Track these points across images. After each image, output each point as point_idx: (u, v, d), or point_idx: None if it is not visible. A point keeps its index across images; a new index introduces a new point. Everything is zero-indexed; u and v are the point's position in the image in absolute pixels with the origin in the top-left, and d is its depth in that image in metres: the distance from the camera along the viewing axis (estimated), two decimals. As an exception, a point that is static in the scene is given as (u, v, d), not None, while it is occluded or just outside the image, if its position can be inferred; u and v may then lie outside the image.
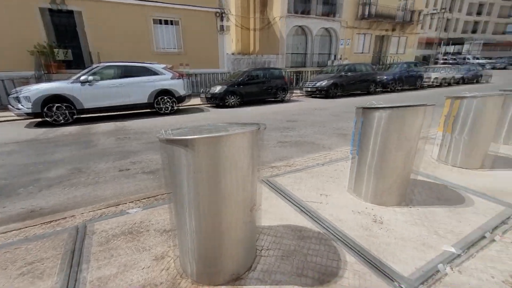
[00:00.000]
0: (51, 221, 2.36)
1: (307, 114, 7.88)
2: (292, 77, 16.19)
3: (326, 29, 18.07)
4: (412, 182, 2.75)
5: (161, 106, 7.88)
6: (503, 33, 44.45)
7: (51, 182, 3.31)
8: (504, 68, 29.10)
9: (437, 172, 3.19)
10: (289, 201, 2.54)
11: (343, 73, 11.79)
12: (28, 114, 6.28)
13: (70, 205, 2.76)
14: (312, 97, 12.02)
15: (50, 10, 9.74)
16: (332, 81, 11.35)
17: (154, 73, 7.60)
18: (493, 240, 1.95)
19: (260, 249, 1.87)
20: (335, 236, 2.00)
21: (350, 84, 11.99)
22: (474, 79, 17.73)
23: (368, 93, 12.76)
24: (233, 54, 17.92)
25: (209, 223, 1.40)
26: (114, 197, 2.87)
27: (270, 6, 17.00)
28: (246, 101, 9.80)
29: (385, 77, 13.37)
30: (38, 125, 6.70)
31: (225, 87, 9.15)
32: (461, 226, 2.11)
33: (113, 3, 10.62)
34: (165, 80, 7.77)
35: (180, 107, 8.96)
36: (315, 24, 17.36)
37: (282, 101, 10.81)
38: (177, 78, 8.10)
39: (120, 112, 8.02)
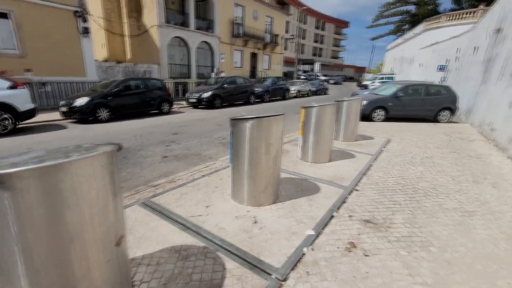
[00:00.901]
0: None
1: (192, 125, 7.80)
2: (176, 88, 15.72)
3: (206, 42, 18.72)
4: (282, 180, 3.19)
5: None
6: (336, 57, 60.68)
7: None
8: (336, 83, 39.18)
9: (299, 168, 3.85)
10: (172, 220, 2.38)
11: (225, 85, 12.47)
12: None
13: None
14: (197, 108, 12.05)
15: None
16: (215, 92, 11.79)
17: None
18: (333, 216, 2.52)
19: (138, 285, 1.64)
20: (218, 246, 2.03)
21: (232, 95, 12.83)
22: (322, 92, 22.92)
23: (248, 103, 14.05)
24: (105, 61, 15.56)
25: (52, 276, 1.09)
26: None
27: (142, 13, 15.92)
28: (121, 114, 8.63)
29: (260, 89, 15.14)
30: None
31: (91, 98, 7.73)
32: (317, 210, 2.61)
33: None
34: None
35: (24, 125, 6.88)
36: (194, 37, 17.65)
37: (165, 113, 10.25)
38: (17, 88, 6.20)
39: None
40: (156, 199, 2.79)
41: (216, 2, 18.86)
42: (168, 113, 10.37)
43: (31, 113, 6.53)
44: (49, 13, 10.24)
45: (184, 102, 13.04)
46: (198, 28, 17.97)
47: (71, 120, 8.07)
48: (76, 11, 10.95)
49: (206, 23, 18.82)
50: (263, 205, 2.66)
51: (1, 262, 1.04)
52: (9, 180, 0.92)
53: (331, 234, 2.24)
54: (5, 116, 5.95)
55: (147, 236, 2.14)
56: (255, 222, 2.37)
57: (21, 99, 6.22)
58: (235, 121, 2.49)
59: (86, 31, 11.35)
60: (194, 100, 11.81)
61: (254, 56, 23.98)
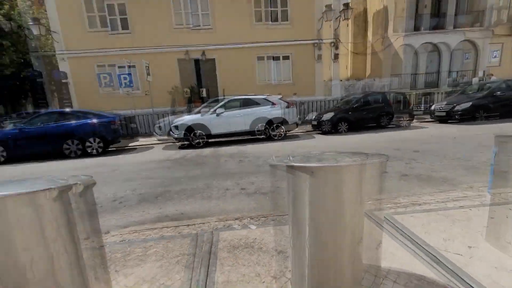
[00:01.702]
0: (189, 225, 2.92)
1: (439, 143, 6.53)
2: (419, 99, 14.13)
3: (468, 41, 14.98)
4: None
5: (275, 133, 8.53)
6: None
7: (190, 193, 4.14)
8: None
9: None
10: (415, 245, 2.10)
11: (497, 92, 9.20)
12: (176, 139, 8.26)
13: (203, 214, 3.33)
14: (446, 122, 9.91)
15: (182, 60, 12.99)
16: (477, 102, 9.07)
17: (269, 103, 8.46)
18: None
19: (382, 297, 1.62)
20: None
21: (503, 106, 9.17)
22: None
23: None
24: (347, 80, 17.60)
25: (323, 251, 1.36)
26: (236, 212, 3.26)
27: (387, 28, 15.88)
28: (355, 127, 9.31)
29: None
30: (180, 147, 8.63)
31: (335, 113, 9.04)
32: None
33: (234, 49, 12.93)
34: (276, 109, 8.46)
35: (287, 134, 9.43)
36: (451, 38, 14.74)
37: (401, 127, 9.49)
38: (288, 107, 8.66)
39: (239, 138, 9.25)
40: (399, 217, 2.61)
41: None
42: (405, 127, 9.51)
43: (295, 125, 8.84)
44: (301, 48, 13.43)
45: (427, 116, 11.31)
46: (457, 26, 14.76)
47: (318, 132, 9.87)
48: (315, 43, 13.36)
49: (470, 18, 14.99)
50: None
51: (294, 231, 1.47)
52: (313, 171, 1.26)
53: None
54: (282, 127, 8.53)
55: (389, 251, 2.06)
56: None
57: (291, 115, 8.58)
58: (504, 138, 1.71)
59: (319, 58, 13.60)
60: (443, 114, 9.83)
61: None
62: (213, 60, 13.03)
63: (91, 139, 7.83)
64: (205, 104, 8.75)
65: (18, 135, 7.68)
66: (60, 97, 13.09)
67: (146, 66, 10.61)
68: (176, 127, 8.09)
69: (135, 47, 12.15)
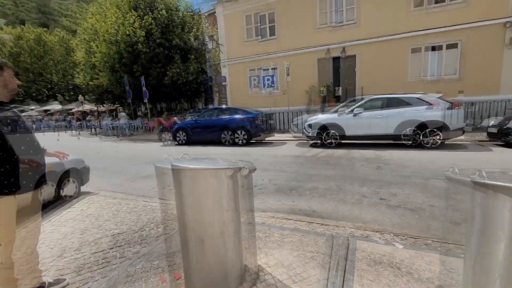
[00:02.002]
0: (323, 224, 2.88)
1: None
2: None
3: None
4: None
5: (428, 139, 6.97)
6: None
7: (322, 192, 4.10)
8: None
9: None
10: None
11: None
12: (308, 137, 8.41)
13: (336, 216, 3.20)
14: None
15: (322, 59, 12.68)
16: None
17: (423, 103, 6.99)
18: None
19: None
20: None
21: None
22: None
23: None
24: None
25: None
26: (374, 223, 2.92)
27: None
28: None
29: None
30: (311, 145, 8.70)
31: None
32: None
33: (379, 42, 11.45)
34: (433, 111, 6.84)
35: (447, 142, 7.46)
36: None
37: None
38: (450, 109, 6.83)
39: (377, 141, 8.26)
40: None
41: None
42: None
43: (460, 132, 6.86)
44: (481, 31, 9.95)
45: None
46: None
47: (497, 143, 7.25)
48: (506, 22, 9.42)
49: None
50: None
51: (475, 268, 1.09)
52: None
53: None
54: (439, 133, 6.83)
55: None
56: None
57: (455, 119, 6.72)
58: None
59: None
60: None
61: None
62: (353, 57, 12.26)
63: (239, 131, 9.35)
64: (343, 104, 8.40)
65: (194, 125, 10.32)
66: (220, 97, 16.46)
67: (287, 67, 11.46)
68: (310, 125, 8.25)
69: (279, 50, 13.36)
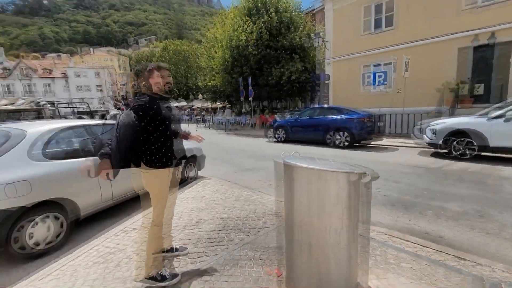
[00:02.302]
0: (456, 256, 2.25)
1: None
2: None
3: None
4: None
5: None
6: None
7: (453, 215, 3.25)
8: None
9: None
10: None
11: None
12: (429, 144, 6.91)
13: (471, 249, 2.46)
14: None
15: (463, 48, 9.80)
16: None
17: None
18: None
19: None
20: None
21: None
22: None
23: None
24: None
25: None
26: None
27: None
28: None
29: None
30: (433, 155, 7.10)
31: None
32: None
33: None
34: None
35: None
36: None
37: None
38: None
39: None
40: None
41: None
42: None
43: None
44: None
45: None
46: None
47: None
48: None
49: None
50: None
51: None
52: None
53: None
54: None
55: None
56: None
57: None
58: None
59: None
60: None
61: None
62: (508, 44, 9.23)
63: (341, 133, 8.73)
64: (497, 105, 6.33)
65: (293, 123, 10.37)
66: (322, 95, 15.95)
67: (406, 62, 9.80)
68: (434, 130, 6.76)
69: (399, 42, 11.50)
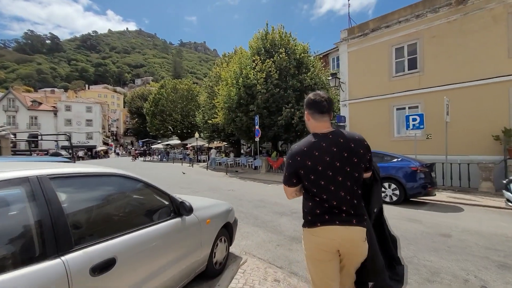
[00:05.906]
0: None
1: None
2: None
3: None
4: None
5: None
6: None
7: None
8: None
9: None
10: None
11: None
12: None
13: None
14: None
15: None
16: None
17: None
18: None
19: None
20: None
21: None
22: None
23: None
24: None
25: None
26: None
27: None
28: None
29: None
30: (503, 214, 5.41)
31: None
32: None
33: None
34: None
35: None
36: None
37: None
38: None
39: None
40: None
41: None
42: None
43: None
44: None
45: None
46: None
47: None
48: None
49: None
50: None
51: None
52: None
53: None
54: None
55: None
56: None
57: None
58: None
59: None
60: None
61: None
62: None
63: (386, 184, 7.01)
64: None
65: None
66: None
67: (446, 104, 8.67)
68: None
69: (429, 86, 10.49)
